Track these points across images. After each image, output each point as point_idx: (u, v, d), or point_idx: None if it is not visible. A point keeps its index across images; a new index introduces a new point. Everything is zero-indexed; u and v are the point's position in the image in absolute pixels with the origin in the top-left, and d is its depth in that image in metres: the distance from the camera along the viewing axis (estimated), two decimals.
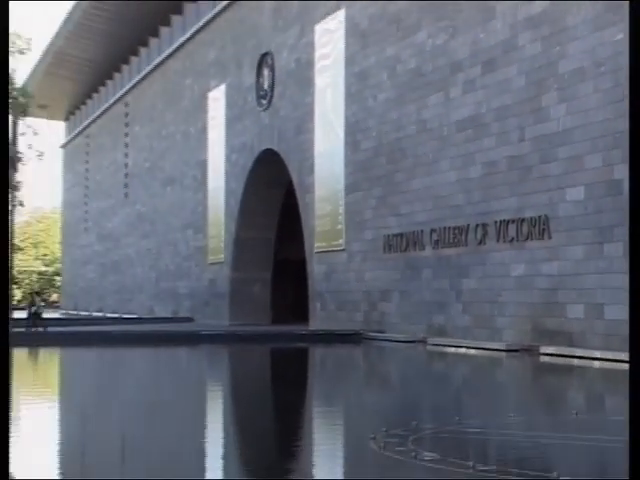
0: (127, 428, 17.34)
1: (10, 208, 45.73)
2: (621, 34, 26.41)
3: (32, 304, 49.54)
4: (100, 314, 78.17)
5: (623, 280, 24.18)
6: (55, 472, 12.83)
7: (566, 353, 28.47)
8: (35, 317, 47.08)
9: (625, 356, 21.19)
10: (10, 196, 42.37)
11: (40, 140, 48.49)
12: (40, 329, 44.58)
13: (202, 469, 12.87)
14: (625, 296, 20.73)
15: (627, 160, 20.52)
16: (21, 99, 35.88)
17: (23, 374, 30.96)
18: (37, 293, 57.45)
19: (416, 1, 38.43)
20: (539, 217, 31.36)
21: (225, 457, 14.20)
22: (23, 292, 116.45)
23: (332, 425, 17.81)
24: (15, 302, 72.25)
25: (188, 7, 65.12)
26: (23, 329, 44.42)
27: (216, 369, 32.80)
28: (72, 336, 44.06)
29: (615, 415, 16.10)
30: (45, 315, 49.47)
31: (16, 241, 55.62)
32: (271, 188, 53.70)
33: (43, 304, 50.45)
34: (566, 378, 26.33)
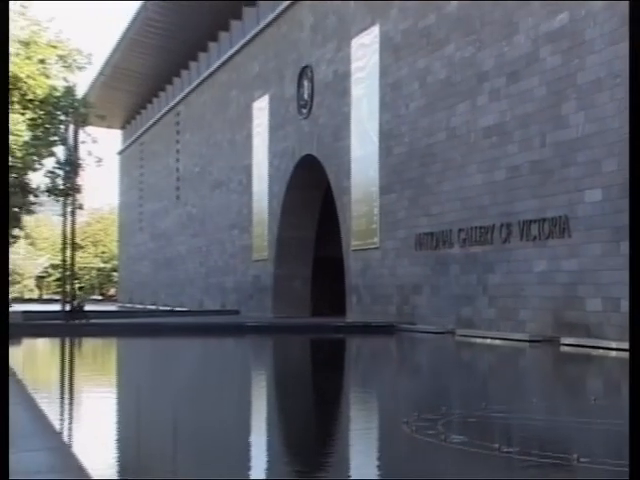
0: (179, 410, 17.43)
1: (71, 210, 46.02)
2: None
3: (73, 298, 49.93)
4: (154, 307, 78.38)
5: None
6: (114, 448, 12.92)
7: (585, 344, 28.36)
8: (77, 310, 47.44)
9: None
10: (72, 199, 42.69)
11: (99, 147, 48.78)
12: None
13: (247, 448, 12.93)
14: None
15: None
16: (82, 110, 36.03)
17: (83, 362, 31.18)
18: (80, 288, 57.79)
19: (445, 17, 38.38)
20: (559, 217, 31.28)
21: (269, 437, 14.26)
22: (75, 287, 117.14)
23: (368, 409, 17.82)
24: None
25: (235, 24, 65.27)
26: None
27: (260, 357, 32.87)
28: (128, 327, 44.27)
29: None
30: (86, 308, 49.80)
31: (77, 240, 55.82)
32: (311, 191, 53.72)
33: (84, 298, 50.80)
34: (585, 367, 26.22)
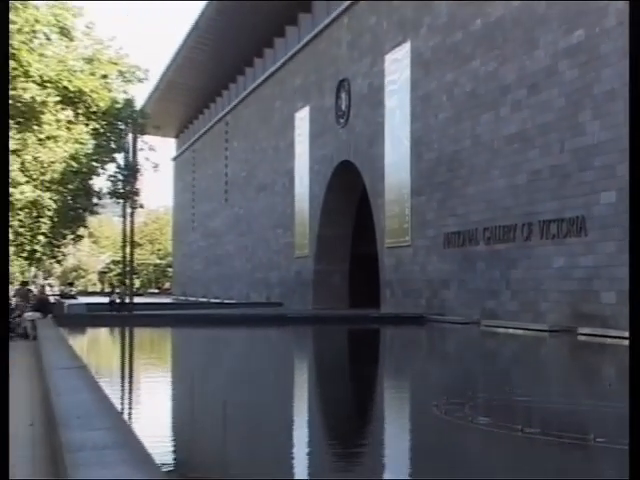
0: (228, 391, 17.50)
1: (131, 211, 46.31)
2: None
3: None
4: (204, 299, 78.62)
5: None
6: (169, 426, 13.00)
7: (600, 333, 28.20)
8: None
9: None
10: (131, 201, 42.91)
11: (155, 154, 49.12)
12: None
13: (292, 426, 12.97)
14: None
15: None
16: (140, 120, 36.24)
17: (140, 349, 31.35)
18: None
19: (470, 34, 38.29)
20: (577, 217, 31.12)
21: (311, 417, 14.30)
22: (141, 281, 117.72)
23: (401, 393, 17.83)
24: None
25: (279, 41, 65.37)
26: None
27: (302, 345, 32.96)
28: (181, 318, 44.56)
29: None
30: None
31: (136, 238, 56.17)
32: (348, 193, 53.72)
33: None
34: (600, 355, 26.08)
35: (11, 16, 16.04)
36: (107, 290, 74.26)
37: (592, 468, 10.09)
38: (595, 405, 14.32)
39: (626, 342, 25.77)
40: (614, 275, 28.68)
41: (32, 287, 45.58)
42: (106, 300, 52.26)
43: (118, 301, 48.94)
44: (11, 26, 16.22)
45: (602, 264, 29.66)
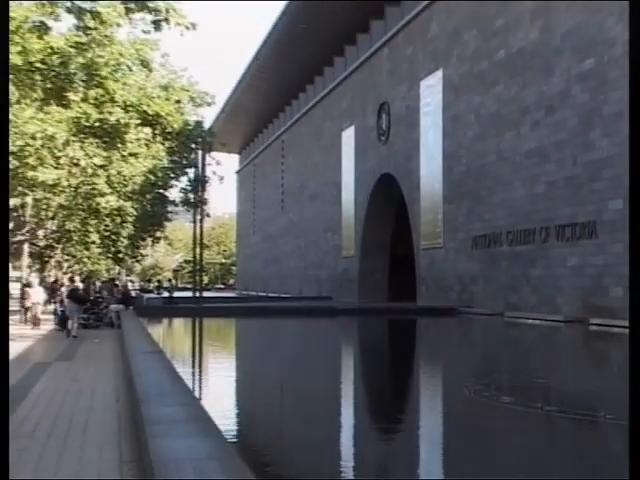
0: (285, 372, 17.59)
1: (200, 217, 46.58)
2: None
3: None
4: (263, 294, 78.82)
5: None
6: (234, 403, 13.10)
7: (609, 323, 27.92)
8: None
9: None
10: (200, 209, 43.14)
11: (221, 168, 49.48)
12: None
13: (339, 403, 13.02)
14: None
15: None
16: (208, 139, 36.42)
17: (208, 336, 31.56)
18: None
19: (495, 63, 38.15)
20: (588, 222, 30.89)
21: (356, 395, 14.34)
22: (209, 278, 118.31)
23: (435, 375, 17.82)
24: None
25: (327, 70, 65.49)
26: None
27: (348, 333, 33.00)
28: (244, 309, 44.77)
29: None
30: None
31: (204, 241, 56.48)
32: (388, 201, 53.61)
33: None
34: (609, 342, 25.88)
35: (99, 51, 16.22)
36: (153, 286, 74.43)
37: (601, 441, 10.08)
38: (605, 386, 14.24)
39: None
40: (622, 273, 28.39)
41: (117, 282, 45.94)
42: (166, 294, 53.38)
43: (166, 295, 50.16)
44: (99, 59, 16.42)
45: (611, 263, 29.38)
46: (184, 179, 37.84)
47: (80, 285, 27.44)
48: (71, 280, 29.42)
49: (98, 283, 51.08)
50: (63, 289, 30.08)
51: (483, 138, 39.17)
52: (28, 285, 30.87)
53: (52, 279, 45.63)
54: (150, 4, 9.47)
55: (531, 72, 35.10)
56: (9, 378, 6.30)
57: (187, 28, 9.78)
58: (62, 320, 25.98)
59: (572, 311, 31.48)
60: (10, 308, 32.63)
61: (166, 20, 9.31)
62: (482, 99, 39.39)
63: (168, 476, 4.84)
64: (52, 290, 36.85)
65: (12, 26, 14.34)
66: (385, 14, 52.33)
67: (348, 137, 59.81)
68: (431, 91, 45.05)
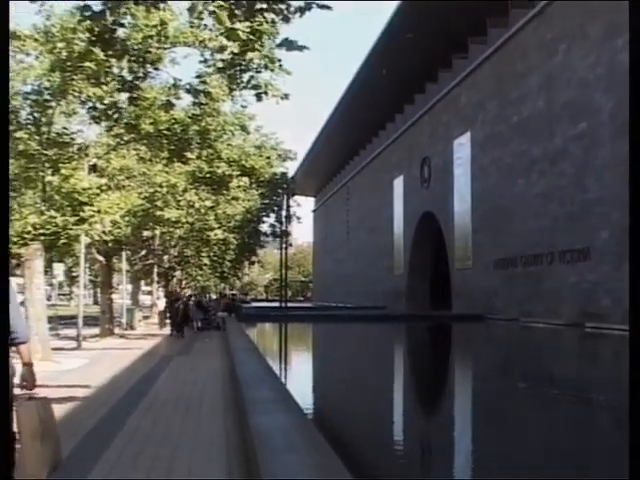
0: (351, 366, 17.68)
1: (285, 246, 46.95)
2: None
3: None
4: (334, 304, 78.73)
5: None
6: (314, 390, 13.25)
7: (600, 326, 27.57)
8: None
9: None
10: (285, 239, 43.44)
11: (300, 208, 49.51)
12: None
13: (391, 400, 13.00)
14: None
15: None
16: (291, 186, 36.89)
17: (290, 337, 31.80)
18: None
19: (510, 126, 38.07)
20: (584, 248, 30.65)
21: (406, 393, 14.33)
22: (292, 292, 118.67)
23: (467, 370, 17.74)
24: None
25: (382, 132, 65.74)
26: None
27: (399, 334, 32.99)
28: (319, 316, 45.05)
29: None
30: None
31: (288, 263, 56.81)
32: (428, 232, 53.43)
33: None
34: (601, 342, 25.55)
35: (209, 120, 16.52)
36: (273, 298, 74.25)
37: (592, 417, 10.08)
38: (597, 375, 14.12)
39: (618, 332, 25.20)
40: (610, 287, 28.14)
41: (231, 295, 46.37)
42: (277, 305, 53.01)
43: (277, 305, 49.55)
44: (209, 127, 16.77)
45: (602, 280, 29.20)
46: (272, 217, 38.34)
47: (213, 297, 27.59)
48: (221, 295, 29.63)
49: (212, 296, 51.62)
50: (190, 302, 30.36)
51: (501, 184, 39.00)
52: (157, 298, 31.39)
53: (172, 294, 46.16)
54: (254, 81, 9.80)
55: (538, 133, 34.96)
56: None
57: (282, 98, 10.11)
58: (180, 325, 25.92)
59: (571, 317, 31.06)
60: (141, 314, 32.95)
61: (265, 93, 9.61)
62: (501, 153, 39.29)
63: (262, 442, 4.97)
64: (171, 302, 37.26)
65: (146, 104, 14.83)
66: (426, 89, 52.59)
67: (398, 184, 59.95)
68: (462, 148, 45.03)
